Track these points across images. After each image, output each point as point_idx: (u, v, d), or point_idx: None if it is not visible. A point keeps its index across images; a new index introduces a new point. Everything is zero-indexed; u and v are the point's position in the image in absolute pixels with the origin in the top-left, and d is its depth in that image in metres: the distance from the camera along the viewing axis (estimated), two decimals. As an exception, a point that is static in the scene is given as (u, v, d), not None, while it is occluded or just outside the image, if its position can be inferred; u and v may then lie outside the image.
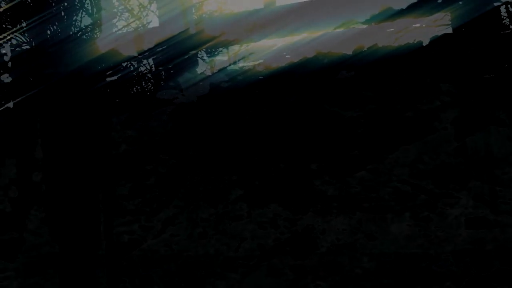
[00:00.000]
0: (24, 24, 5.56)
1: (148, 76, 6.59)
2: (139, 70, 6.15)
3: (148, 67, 6.76)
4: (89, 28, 5.31)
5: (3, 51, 5.91)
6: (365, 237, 4.05)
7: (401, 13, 4.42)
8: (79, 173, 4.56)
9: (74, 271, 4.55)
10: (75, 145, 4.50)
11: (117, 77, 4.84)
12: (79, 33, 5.24)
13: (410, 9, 4.33)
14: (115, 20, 7.21)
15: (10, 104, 5.48)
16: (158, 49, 4.86)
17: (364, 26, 4.88)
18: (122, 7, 7.32)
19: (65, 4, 5.31)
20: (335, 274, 4.13)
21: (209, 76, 4.20)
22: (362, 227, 4.07)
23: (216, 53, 6.39)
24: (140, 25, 7.15)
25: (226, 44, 5.35)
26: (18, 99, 5.09)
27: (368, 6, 5.71)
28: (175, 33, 4.81)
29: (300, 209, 4.19)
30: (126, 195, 4.53)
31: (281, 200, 4.25)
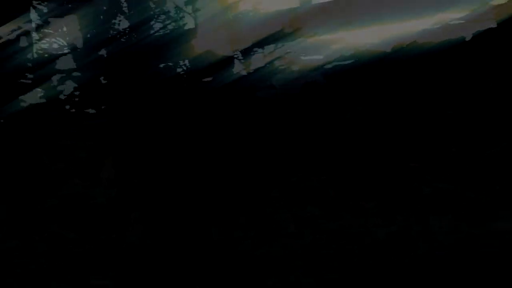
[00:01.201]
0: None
1: (184, 77, 6.69)
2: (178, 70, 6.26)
3: (185, 68, 6.86)
4: (189, 29, 5.42)
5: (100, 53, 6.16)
6: (466, 237, 3.89)
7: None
8: (186, 175, 4.53)
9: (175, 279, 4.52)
10: (180, 144, 4.50)
11: (213, 77, 4.90)
12: (179, 34, 5.37)
13: None
14: (152, 22, 7.38)
15: (104, 105, 5.69)
16: (255, 48, 4.88)
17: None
18: (159, 9, 7.48)
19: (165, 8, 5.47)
20: (439, 276, 4.00)
21: (301, 74, 4.18)
22: (464, 227, 3.93)
23: (251, 53, 6.41)
24: (176, 27, 7.28)
25: (319, 41, 5.32)
26: (121, 99, 5.25)
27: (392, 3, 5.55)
28: (273, 31, 4.84)
29: (398, 207, 4.09)
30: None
31: (379, 198, 4.16)
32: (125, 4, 5.75)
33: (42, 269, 4.56)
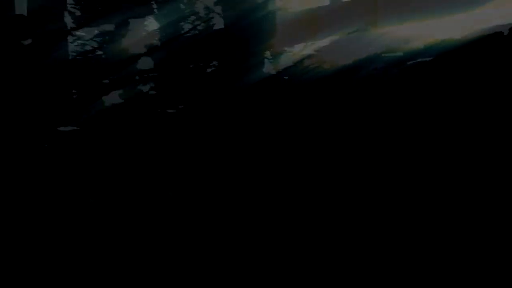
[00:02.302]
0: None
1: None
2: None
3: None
4: (268, 27, 5.41)
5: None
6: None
7: None
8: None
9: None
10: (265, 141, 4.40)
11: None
12: (259, 31, 5.36)
13: None
14: (182, 23, 7.40)
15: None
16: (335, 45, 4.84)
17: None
18: (189, 10, 7.49)
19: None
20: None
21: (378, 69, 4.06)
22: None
23: (281, 53, 6.29)
24: (205, 27, 7.26)
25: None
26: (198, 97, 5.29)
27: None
28: (352, 30, 4.79)
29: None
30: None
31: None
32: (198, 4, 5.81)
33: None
